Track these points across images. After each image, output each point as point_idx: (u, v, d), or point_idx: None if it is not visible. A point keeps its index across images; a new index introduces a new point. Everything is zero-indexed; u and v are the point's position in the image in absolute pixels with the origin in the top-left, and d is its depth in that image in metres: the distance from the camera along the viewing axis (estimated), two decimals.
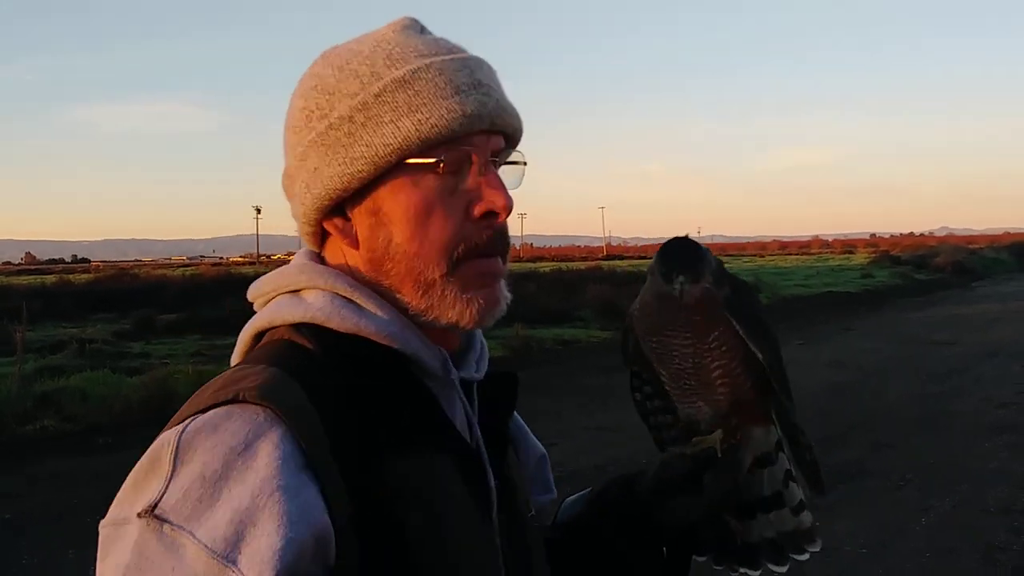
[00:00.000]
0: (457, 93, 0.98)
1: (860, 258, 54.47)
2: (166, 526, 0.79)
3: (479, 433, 1.06)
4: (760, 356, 1.14)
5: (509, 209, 1.01)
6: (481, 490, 1.02)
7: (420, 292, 1.00)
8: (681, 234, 1.17)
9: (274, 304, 1.04)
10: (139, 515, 0.80)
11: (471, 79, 1.00)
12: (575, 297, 21.36)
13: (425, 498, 0.93)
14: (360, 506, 0.87)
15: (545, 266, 43.72)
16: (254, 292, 1.08)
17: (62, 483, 7.57)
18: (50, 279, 35.02)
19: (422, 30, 1.06)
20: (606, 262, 55.86)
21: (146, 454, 0.85)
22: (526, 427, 1.32)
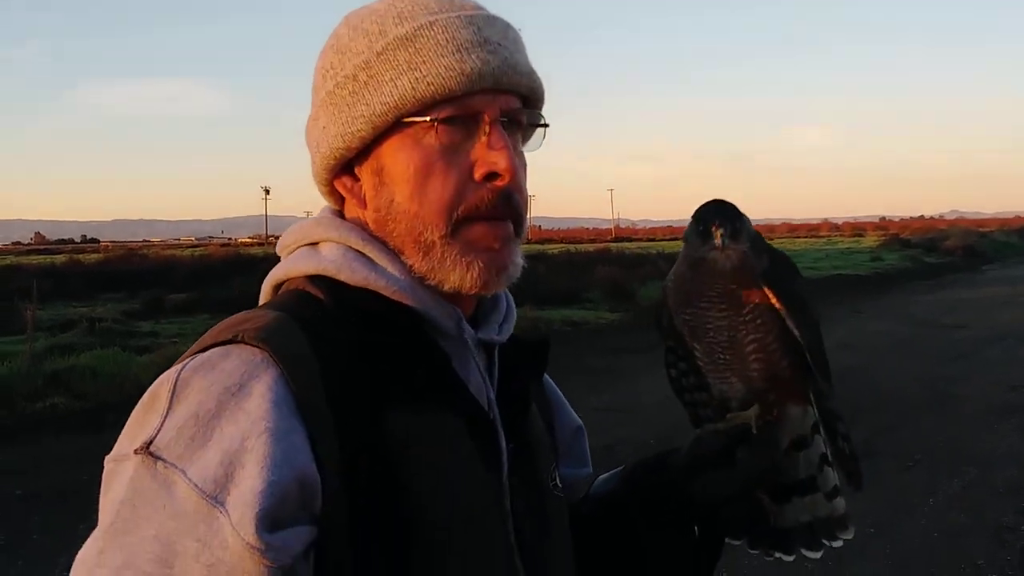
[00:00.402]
0: (459, 51, 0.97)
1: (870, 241, 54.27)
2: (159, 463, 0.81)
3: (493, 395, 1.04)
4: (797, 333, 1.11)
5: (513, 171, 0.98)
6: (491, 451, 1.00)
7: (421, 254, 0.99)
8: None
9: (293, 256, 1.05)
10: (136, 451, 0.82)
11: (477, 36, 0.98)
12: (584, 279, 21.32)
13: (427, 454, 0.93)
14: (356, 457, 0.87)
15: (554, 248, 43.69)
16: (280, 245, 1.09)
17: (72, 460, 7.61)
18: (60, 259, 35.16)
19: None
20: (615, 244, 55.79)
21: (148, 391, 0.87)
22: (563, 399, 1.31)
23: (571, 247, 43.14)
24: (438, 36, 0.97)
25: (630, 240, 79.02)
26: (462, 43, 0.97)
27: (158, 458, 0.81)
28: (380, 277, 0.98)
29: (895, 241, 46.05)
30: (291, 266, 1.04)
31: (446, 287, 0.99)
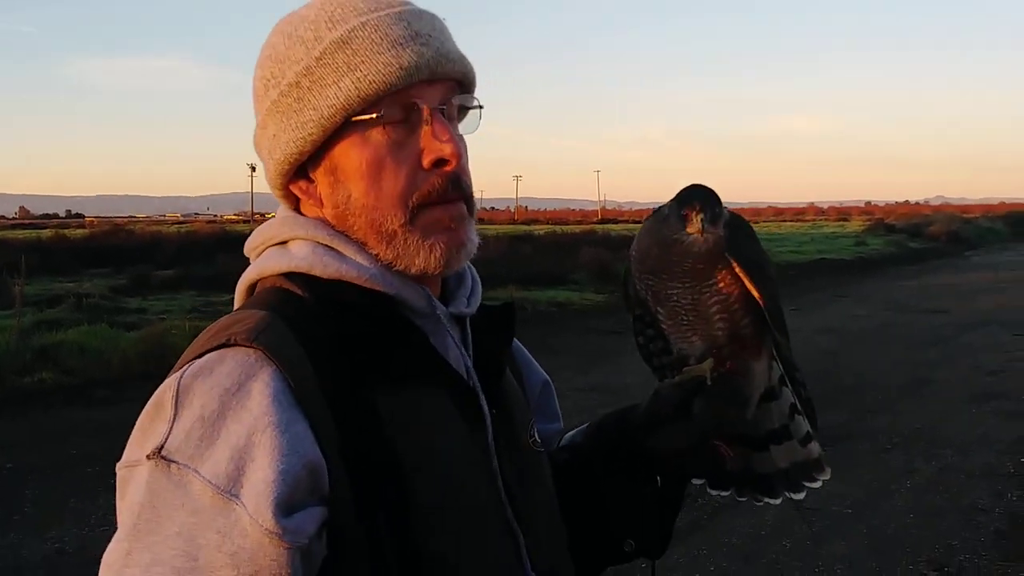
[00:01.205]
0: (394, 47, 1.02)
1: (855, 226, 54.40)
2: (173, 466, 0.86)
3: (470, 364, 1.11)
4: (758, 296, 1.16)
5: (458, 155, 1.04)
6: (476, 418, 1.08)
7: (385, 243, 1.06)
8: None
9: (263, 256, 1.11)
10: (148, 457, 0.87)
11: (408, 31, 1.03)
12: (569, 260, 21.36)
13: (418, 428, 1.00)
14: (352, 438, 0.94)
15: (540, 229, 43.63)
16: (248, 247, 1.15)
17: (61, 435, 7.67)
18: (46, 234, 34.90)
19: None
20: (600, 226, 55.75)
21: (151, 400, 0.92)
22: (529, 357, 1.38)
23: (557, 228, 43.09)
24: (372, 35, 1.03)
25: (616, 222, 78.83)
26: (396, 39, 1.02)
27: (171, 461, 0.86)
28: (351, 268, 1.05)
29: (880, 226, 46.15)
30: (264, 266, 1.09)
31: (413, 270, 1.06)
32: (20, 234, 39.94)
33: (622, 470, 1.21)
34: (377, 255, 1.06)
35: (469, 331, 1.16)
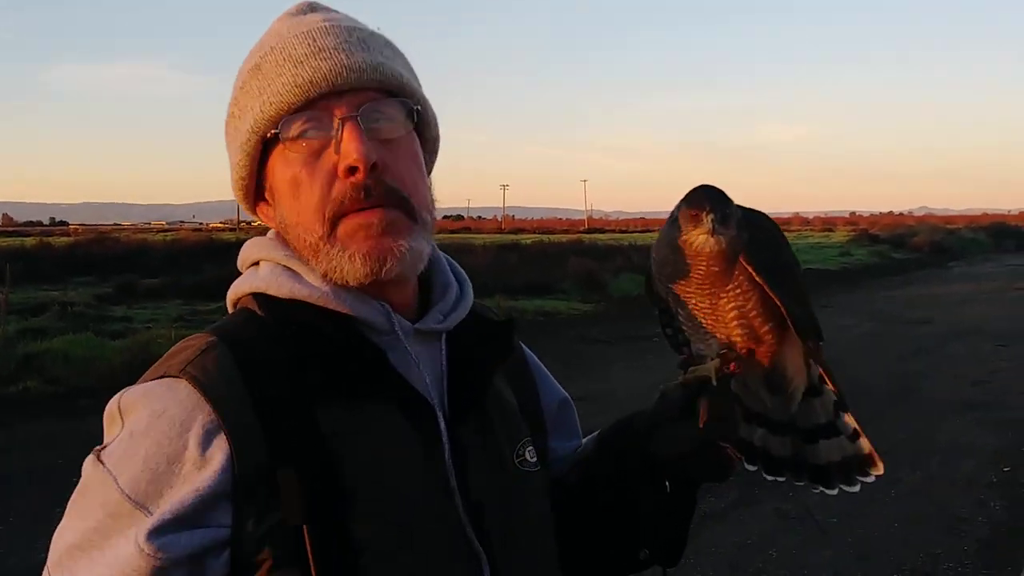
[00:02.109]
0: (295, 65, 1.05)
1: (839, 236, 54.66)
2: (103, 467, 0.97)
3: (429, 380, 1.11)
4: (779, 303, 1.13)
5: (365, 160, 1.02)
6: (432, 436, 1.07)
7: (315, 258, 1.08)
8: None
9: (241, 276, 1.16)
10: (94, 451, 1.00)
11: (311, 48, 1.05)
12: (557, 269, 21.39)
13: (365, 445, 1.02)
14: (285, 459, 0.98)
15: (527, 238, 43.67)
16: (239, 263, 1.20)
17: (46, 443, 7.63)
18: (30, 241, 34.69)
19: (313, 9, 1.14)
20: (587, 235, 55.83)
21: (107, 408, 1.02)
22: (547, 373, 1.38)
23: (544, 237, 43.16)
24: (277, 58, 1.07)
25: (603, 231, 78.95)
26: (297, 58, 1.05)
27: (103, 462, 0.97)
28: (304, 288, 1.08)
29: (864, 236, 46.36)
30: (236, 286, 1.15)
31: (348, 282, 1.07)
32: (3, 242, 39.68)
33: (631, 476, 1.20)
34: (317, 269, 1.08)
35: (443, 346, 1.16)
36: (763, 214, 1.19)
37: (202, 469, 0.95)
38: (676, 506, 1.22)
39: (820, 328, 1.23)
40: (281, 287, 1.08)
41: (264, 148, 1.09)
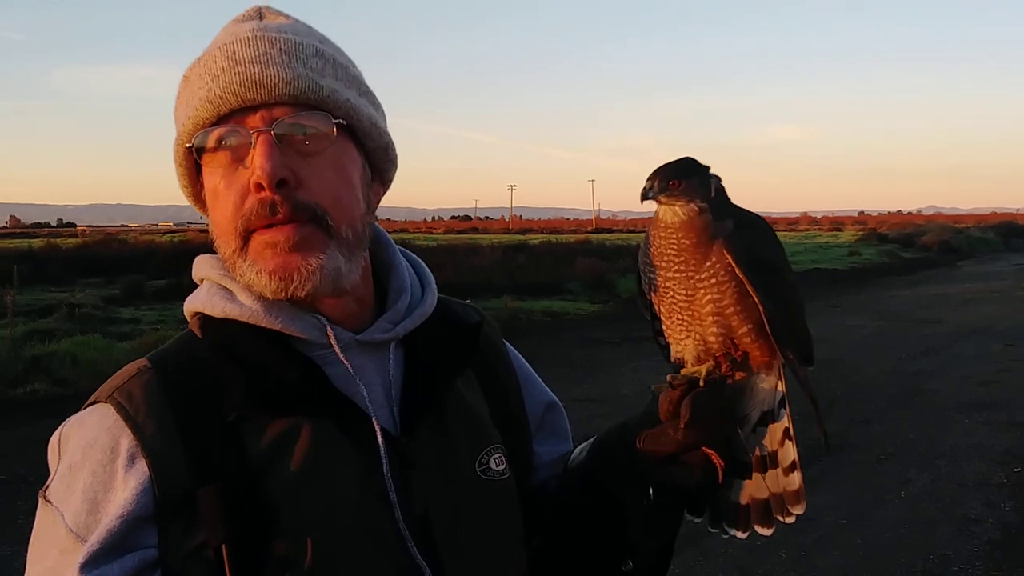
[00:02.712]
0: (212, 80, 1.05)
1: (848, 235, 54.53)
2: (51, 505, 1.02)
3: (368, 391, 1.10)
4: (756, 298, 1.08)
5: (271, 176, 1.00)
6: (370, 447, 1.06)
7: (233, 270, 1.09)
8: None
9: (189, 296, 1.17)
10: (40, 494, 1.04)
11: (229, 61, 1.04)
12: (564, 270, 21.37)
13: (294, 460, 1.02)
14: (208, 477, 0.99)
15: (535, 238, 43.66)
16: (194, 280, 1.20)
17: None
18: (37, 243, 34.79)
19: (257, 15, 1.12)
20: (595, 235, 55.81)
21: (50, 441, 1.07)
22: (533, 376, 1.36)
23: (552, 238, 43.13)
24: (200, 70, 1.07)
25: (610, 231, 78.88)
26: (215, 72, 1.05)
27: (49, 501, 1.02)
28: (236, 307, 1.09)
29: (873, 236, 46.24)
30: (186, 304, 1.16)
31: (267, 294, 1.06)
32: (11, 243, 39.79)
33: (618, 479, 1.16)
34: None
35: (392, 355, 1.15)
36: (760, 217, 1.17)
37: (125, 493, 0.98)
38: (661, 515, 1.17)
39: (810, 346, 1.16)
40: (215, 307, 1.10)
41: (198, 158, 1.08)
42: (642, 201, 1.13)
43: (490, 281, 17.28)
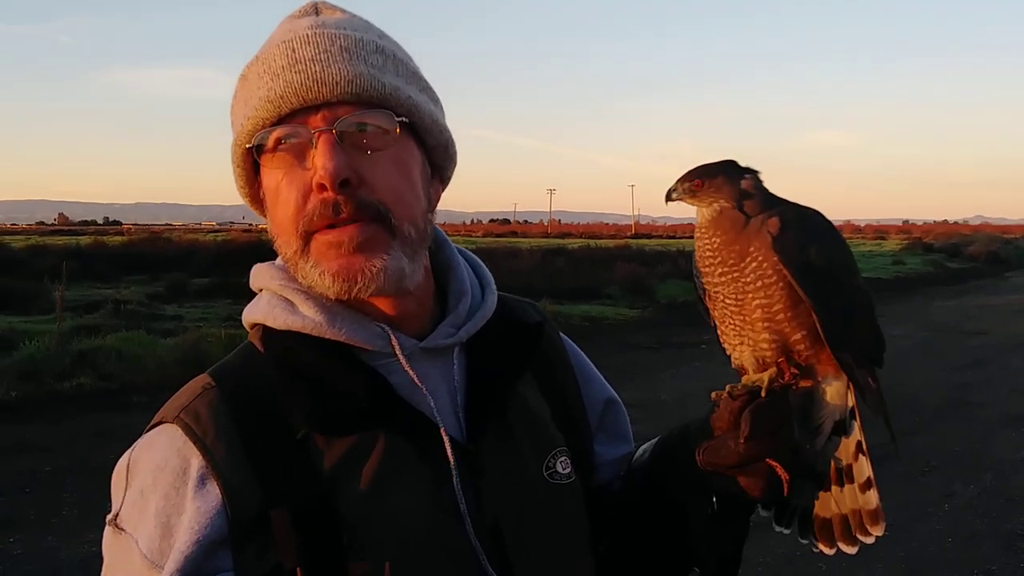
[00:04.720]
0: (272, 79, 1.03)
1: (892, 244, 53.82)
2: (122, 534, 1.00)
3: (435, 399, 1.08)
4: (805, 297, 1.03)
5: (334, 176, 0.99)
6: (440, 458, 1.04)
7: (295, 271, 1.07)
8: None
9: (248, 304, 1.16)
10: (108, 522, 1.03)
11: (289, 59, 1.02)
12: (603, 274, 21.30)
13: (361, 477, 1.00)
14: (279, 496, 0.98)
15: (574, 242, 43.59)
16: (252, 287, 1.19)
17: (99, 439, 7.75)
18: (84, 240, 35.41)
19: (314, 11, 1.10)
20: (634, 240, 55.59)
21: (116, 466, 1.05)
22: (593, 372, 1.34)
23: (591, 242, 43.03)
24: (259, 69, 1.05)
25: (650, 237, 78.46)
26: (275, 70, 1.03)
27: (121, 529, 1.01)
28: (298, 319, 1.07)
29: (918, 245, 45.62)
30: (245, 314, 1.15)
31: (330, 296, 1.05)
32: (59, 240, 40.57)
33: (684, 486, 1.13)
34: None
35: (456, 360, 1.13)
36: (816, 212, 1.11)
37: (199, 517, 0.96)
38: (725, 525, 1.14)
39: (879, 347, 1.11)
40: (276, 319, 1.08)
41: (257, 157, 1.07)
42: (666, 202, 1.14)
43: (529, 285, 17.24)
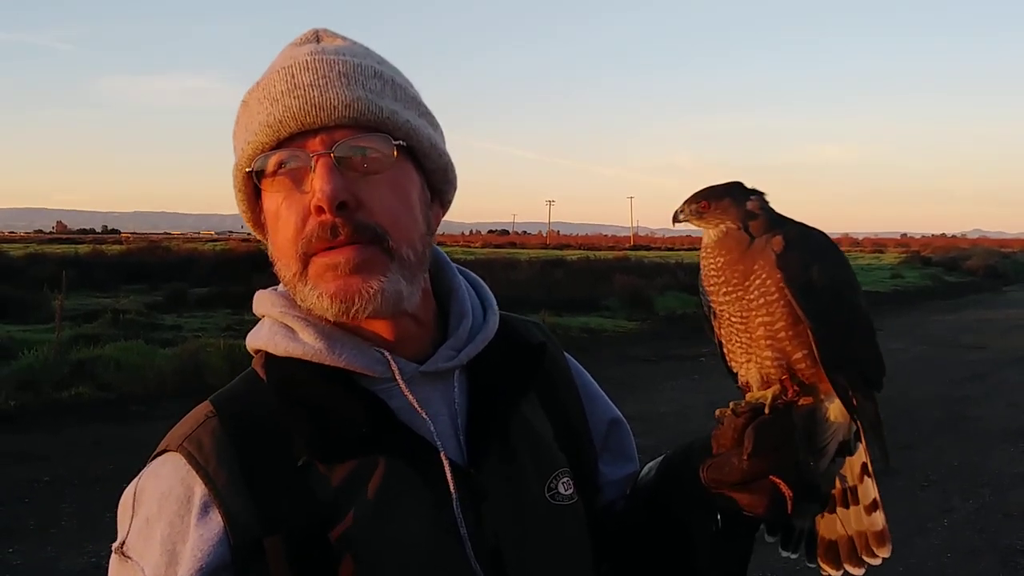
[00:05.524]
0: (272, 104, 1.05)
1: (890, 258, 53.83)
2: (129, 561, 1.02)
3: (434, 423, 1.08)
4: (803, 317, 1.05)
5: (331, 199, 1.00)
6: (440, 482, 1.05)
7: (294, 293, 1.09)
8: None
9: (251, 330, 1.17)
10: (115, 550, 1.04)
11: (288, 84, 1.04)
12: (602, 286, 21.28)
13: (360, 502, 1.01)
14: (276, 523, 0.99)
15: (572, 254, 43.58)
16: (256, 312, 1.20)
17: (98, 449, 7.75)
18: (83, 249, 35.38)
19: (315, 38, 1.12)
20: (633, 252, 55.59)
21: (123, 495, 1.06)
22: (597, 392, 1.34)
23: (590, 254, 43.02)
24: (259, 94, 1.07)
25: (648, 249, 78.42)
26: (275, 96, 1.05)
27: (128, 557, 1.02)
28: (298, 346, 1.08)
29: (916, 259, 45.59)
30: (248, 340, 1.16)
31: (329, 317, 1.06)
32: (58, 248, 40.52)
33: (687, 504, 1.13)
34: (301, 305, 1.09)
35: (456, 383, 1.14)
36: (820, 232, 1.14)
37: (201, 544, 0.98)
38: (730, 543, 1.14)
39: (878, 370, 1.13)
40: (277, 346, 1.10)
41: (258, 182, 1.08)
42: (673, 223, 1.16)
43: (527, 296, 17.26)
